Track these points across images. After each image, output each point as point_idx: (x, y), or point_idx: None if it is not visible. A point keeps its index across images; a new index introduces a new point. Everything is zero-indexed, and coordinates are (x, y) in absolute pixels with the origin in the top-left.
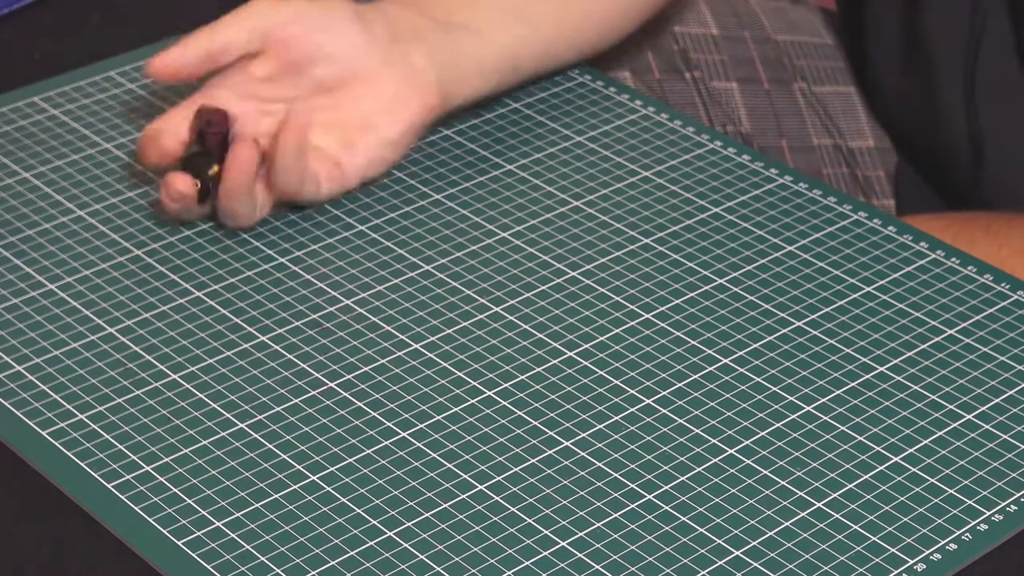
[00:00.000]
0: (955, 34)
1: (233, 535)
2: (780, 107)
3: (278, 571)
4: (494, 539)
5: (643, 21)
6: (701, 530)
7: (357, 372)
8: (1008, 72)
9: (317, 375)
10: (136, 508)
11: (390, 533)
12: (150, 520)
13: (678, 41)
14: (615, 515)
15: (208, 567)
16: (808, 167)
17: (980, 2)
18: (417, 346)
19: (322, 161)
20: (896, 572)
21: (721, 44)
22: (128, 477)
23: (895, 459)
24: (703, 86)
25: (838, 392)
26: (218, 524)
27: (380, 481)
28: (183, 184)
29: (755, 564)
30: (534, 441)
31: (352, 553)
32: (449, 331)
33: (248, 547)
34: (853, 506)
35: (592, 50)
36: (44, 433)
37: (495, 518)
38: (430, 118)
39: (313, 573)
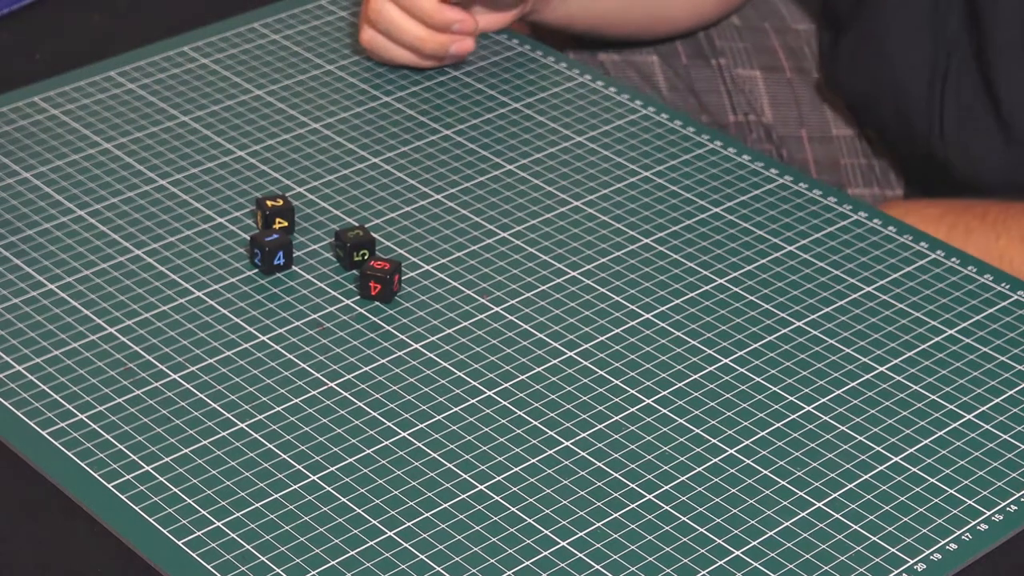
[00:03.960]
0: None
1: (233, 535)
2: (802, 96)
3: (278, 571)
4: (494, 539)
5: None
6: (701, 530)
7: (357, 372)
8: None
9: (317, 375)
10: (136, 508)
11: (390, 533)
12: (150, 520)
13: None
14: (615, 515)
15: (208, 567)
16: (826, 157)
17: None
18: (417, 346)
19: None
20: (896, 572)
21: (744, 32)
22: (128, 477)
23: (895, 459)
24: (728, 73)
25: (838, 392)
26: (218, 524)
27: (380, 481)
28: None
29: (755, 564)
30: (534, 441)
31: (352, 553)
32: (449, 331)
33: (248, 547)
34: (853, 506)
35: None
36: (44, 433)
37: (495, 518)
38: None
39: (313, 573)
